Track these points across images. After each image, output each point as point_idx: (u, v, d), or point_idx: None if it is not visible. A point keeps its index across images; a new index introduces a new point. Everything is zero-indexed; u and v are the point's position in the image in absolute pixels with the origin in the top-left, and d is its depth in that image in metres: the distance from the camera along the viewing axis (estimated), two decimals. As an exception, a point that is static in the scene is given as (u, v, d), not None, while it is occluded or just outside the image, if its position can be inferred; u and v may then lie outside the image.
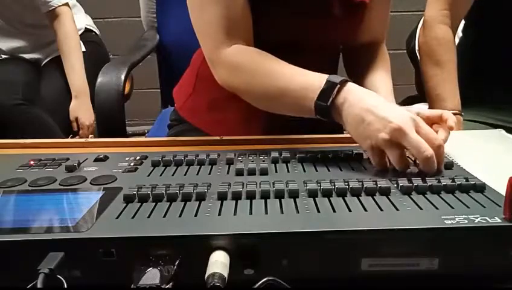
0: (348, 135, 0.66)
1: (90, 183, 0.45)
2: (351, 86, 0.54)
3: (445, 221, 0.35)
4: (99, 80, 0.97)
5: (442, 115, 0.56)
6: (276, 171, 0.48)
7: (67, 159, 0.52)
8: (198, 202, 0.39)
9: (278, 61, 0.61)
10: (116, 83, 0.98)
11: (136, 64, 1.13)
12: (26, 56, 1.51)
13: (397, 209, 0.37)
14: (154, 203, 0.39)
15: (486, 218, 0.35)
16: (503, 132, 0.69)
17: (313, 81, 0.56)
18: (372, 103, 0.51)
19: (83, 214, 0.38)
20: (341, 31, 0.72)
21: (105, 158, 0.53)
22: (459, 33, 1.08)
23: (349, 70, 0.82)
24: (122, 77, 0.99)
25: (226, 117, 0.78)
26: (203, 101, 0.80)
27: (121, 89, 0.98)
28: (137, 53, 1.16)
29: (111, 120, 0.97)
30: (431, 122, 0.57)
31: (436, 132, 0.55)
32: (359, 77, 0.75)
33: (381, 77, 0.73)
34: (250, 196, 0.40)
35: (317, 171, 0.48)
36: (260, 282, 0.32)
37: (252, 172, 0.47)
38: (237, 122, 0.77)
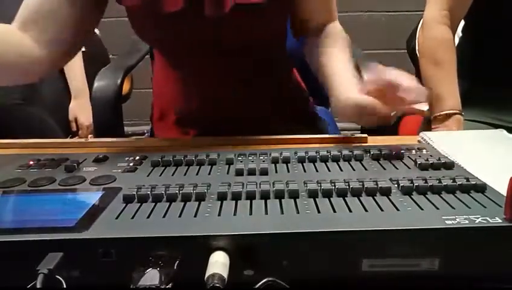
0: (349, 135, 0.67)
1: (90, 183, 0.45)
2: None
3: (446, 221, 0.35)
4: (95, 84, 1.00)
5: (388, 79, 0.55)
6: (276, 171, 0.48)
7: (67, 159, 0.52)
8: (198, 202, 0.39)
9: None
10: (112, 89, 1.00)
11: (133, 67, 1.14)
12: (26, 56, 1.51)
13: (398, 210, 0.37)
14: (154, 204, 0.39)
15: (487, 218, 0.35)
16: (503, 132, 0.68)
17: None
18: None
19: (82, 214, 0.37)
20: (236, 30, 0.68)
21: (104, 158, 0.53)
22: (459, 33, 1.08)
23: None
24: (118, 82, 1.01)
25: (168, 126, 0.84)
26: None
27: (118, 94, 1.00)
28: (133, 56, 1.17)
29: (108, 127, 0.99)
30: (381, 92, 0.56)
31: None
32: (316, 61, 0.72)
33: (333, 52, 0.70)
34: (250, 196, 0.40)
35: (317, 171, 0.48)
36: (260, 283, 0.32)
37: (252, 172, 0.47)
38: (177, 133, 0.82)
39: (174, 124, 0.82)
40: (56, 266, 0.31)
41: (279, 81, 0.82)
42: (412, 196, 0.40)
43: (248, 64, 0.74)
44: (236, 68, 0.73)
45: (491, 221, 0.34)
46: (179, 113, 0.81)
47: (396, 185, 0.42)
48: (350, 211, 0.37)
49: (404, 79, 0.54)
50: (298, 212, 0.37)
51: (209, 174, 0.47)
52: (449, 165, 0.48)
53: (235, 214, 0.37)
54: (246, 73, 0.75)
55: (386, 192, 0.40)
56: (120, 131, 1.04)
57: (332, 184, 0.41)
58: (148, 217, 0.37)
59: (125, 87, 1.74)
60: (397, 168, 0.48)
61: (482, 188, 0.41)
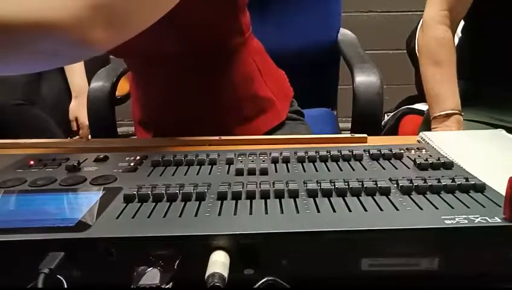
0: (348, 135, 0.67)
1: (90, 183, 0.45)
2: None
3: (445, 221, 0.35)
4: (91, 85, 1.03)
5: None
6: (276, 171, 0.48)
7: (67, 159, 0.52)
8: (198, 202, 0.39)
9: None
10: (106, 90, 1.03)
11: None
12: (26, 56, 1.51)
13: (397, 209, 0.37)
14: (154, 203, 0.39)
15: (486, 218, 0.35)
16: (503, 132, 0.69)
17: None
18: None
19: (83, 214, 0.38)
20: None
21: (105, 158, 0.53)
22: (459, 33, 1.08)
23: None
24: (112, 83, 1.05)
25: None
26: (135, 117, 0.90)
27: (112, 95, 1.04)
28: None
29: (101, 127, 1.02)
30: None
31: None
32: None
33: None
34: (250, 196, 0.40)
35: (317, 171, 0.48)
36: (260, 282, 0.32)
37: (252, 172, 0.47)
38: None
39: (138, 127, 0.87)
40: (57, 265, 0.31)
41: (231, 85, 0.79)
42: (411, 196, 0.40)
43: (192, 69, 0.75)
44: (182, 74, 0.76)
45: (490, 221, 0.35)
46: (139, 116, 0.86)
47: (395, 185, 0.42)
48: (350, 210, 0.37)
49: None
50: (298, 212, 0.37)
51: (210, 174, 0.47)
52: (448, 165, 0.48)
53: (235, 214, 0.37)
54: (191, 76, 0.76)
55: (385, 192, 0.40)
56: (113, 131, 1.05)
57: (332, 184, 0.41)
58: (148, 216, 0.37)
59: (126, 88, 1.74)
60: (396, 168, 0.48)
61: (481, 188, 0.41)
